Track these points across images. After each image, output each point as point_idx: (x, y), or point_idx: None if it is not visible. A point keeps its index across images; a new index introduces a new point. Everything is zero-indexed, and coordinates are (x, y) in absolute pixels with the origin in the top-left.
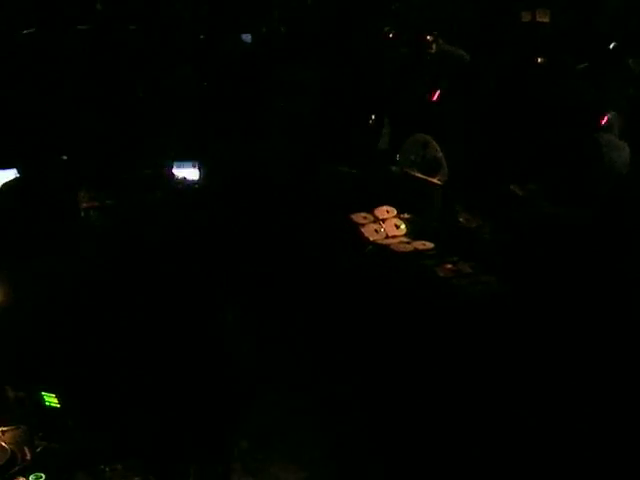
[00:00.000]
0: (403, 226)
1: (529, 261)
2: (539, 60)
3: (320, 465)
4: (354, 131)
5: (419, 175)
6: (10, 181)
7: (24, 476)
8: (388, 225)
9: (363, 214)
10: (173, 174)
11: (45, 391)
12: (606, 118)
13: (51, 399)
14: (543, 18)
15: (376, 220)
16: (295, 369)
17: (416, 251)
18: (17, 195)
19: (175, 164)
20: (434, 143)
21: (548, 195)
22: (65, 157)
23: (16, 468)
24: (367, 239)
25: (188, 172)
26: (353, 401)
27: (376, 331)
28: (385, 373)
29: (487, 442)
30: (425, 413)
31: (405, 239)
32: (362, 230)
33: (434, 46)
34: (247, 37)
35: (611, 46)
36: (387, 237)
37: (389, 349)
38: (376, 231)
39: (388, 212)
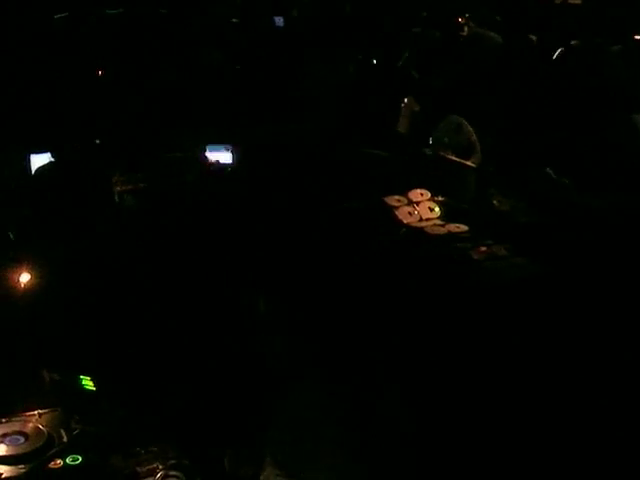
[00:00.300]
0: (437, 209)
1: (564, 244)
2: (572, 42)
3: (350, 464)
4: (387, 114)
5: (453, 158)
6: (44, 165)
7: (61, 458)
8: (422, 208)
9: (397, 197)
10: (206, 157)
11: (81, 374)
12: None
13: (87, 382)
14: (575, 0)
15: (410, 203)
16: (327, 360)
17: (450, 234)
18: (51, 179)
19: (208, 148)
20: (467, 125)
21: (580, 180)
22: (98, 141)
23: (53, 450)
24: (401, 222)
25: (221, 155)
26: (387, 394)
27: (410, 315)
28: (419, 361)
29: (527, 437)
30: (461, 404)
31: (439, 222)
32: (396, 213)
33: (466, 29)
34: (279, 20)
35: None
36: (421, 220)
37: (423, 334)
38: (410, 214)
39: (422, 195)
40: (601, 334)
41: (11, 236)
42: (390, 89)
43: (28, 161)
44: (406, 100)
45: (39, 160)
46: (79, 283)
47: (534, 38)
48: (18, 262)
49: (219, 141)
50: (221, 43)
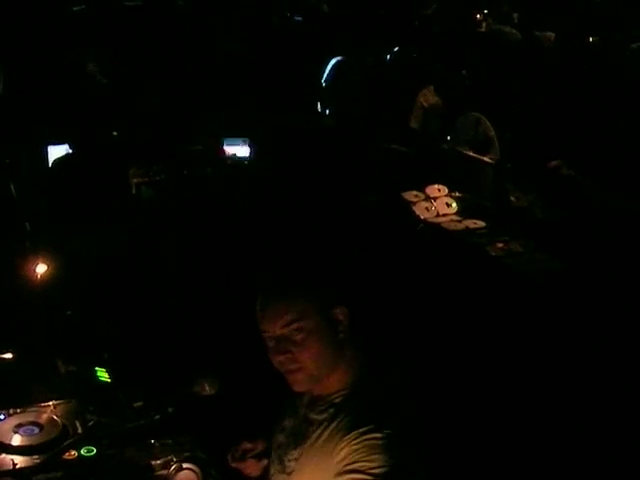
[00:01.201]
0: (454, 204)
1: (581, 240)
2: (591, 39)
3: None
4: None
5: (471, 153)
6: (62, 157)
7: (75, 449)
8: (439, 203)
9: (414, 192)
10: (223, 151)
11: (96, 365)
12: None
13: (102, 374)
14: None
15: (427, 198)
16: None
17: (467, 230)
18: (69, 170)
19: (225, 141)
20: (486, 121)
21: (598, 177)
22: (116, 133)
23: (67, 441)
24: (418, 217)
25: (238, 149)
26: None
27: (426, 310)
28: (437, 356)
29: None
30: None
31: (456, 217)
32: (413, 208)
33: (484, 25)
34: (298, 18)
35: None
36: (438, 215)
37: (440, 329)
38: (427, 209)
39: (439, 190)
40: (620, 332)
41: (28, 227)
42: (409, 84)
43: (46, 152)
44: (421, 95)
45: (57, 151)
46: (95, 274)
47: (552, 35)
48: (34, 253)
49: (237, 134)
50: (241, 35)
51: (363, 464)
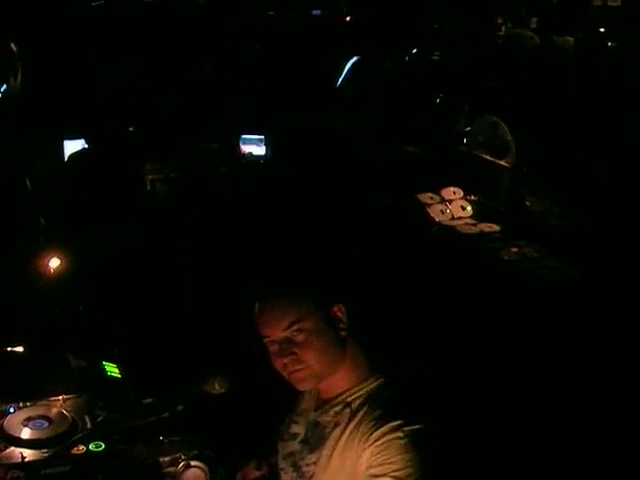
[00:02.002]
0: (469, 208)
1: (597, 247)
2: (610, 44)
3: None
4: (422, 111)
5: (487, 157)
6: (77, 152)
7: (84, 444)
8: (454, 206)
9: (429, 194)
10: (240, 149)
11: (107, 361)
12: None
13: (112, 369)
14: (614, 2)
15: (442, 201)
16: None
17: (482, 233)
18: (84, 166)
19: (242, 140)
20: (503, 125)
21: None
22: (132, 129)
23: (76, 436)
24: (433, 219)
25: (254, 147)
26: None
27: (439, 313)
28: (449, 359)
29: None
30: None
31: (471, 221)
32: (428, 210)
33: (503, 29)
34: (317, 11)
35: None
36: (453, 218)
37: (452, 332)
38: (442, 212)
39: (455, 193)
40: (634, 339)
41: (42, 221)
42: (427, 85)
43: (62, 147)
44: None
45: (73, 146)
46: (108, 270)
47: (571, 39)
48: (48, 248)
49: (253, 132)
50: (258, 34)
51: (388, 466)
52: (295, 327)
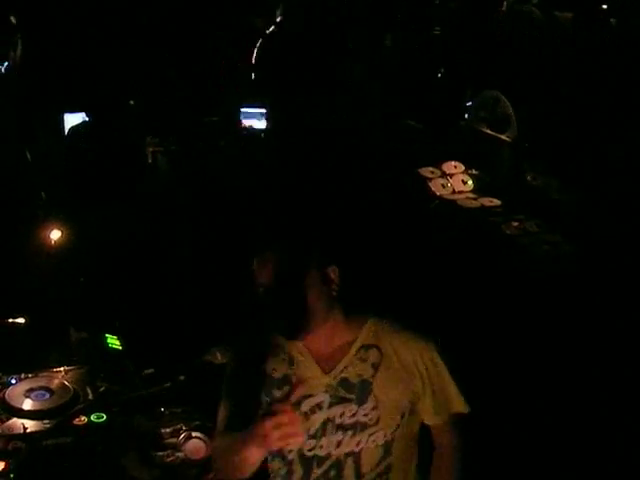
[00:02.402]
0: (470, 182)
1: (597, 222)
2: (611, 20)
3: None
4: (423, 86)
5: (488, 131)
6: (78, 125)
7: (86, 415)
8: (455, 180)
9: (431, 168)
10: (240, 122)
11: (108, 333)
12: None
13: (113, 341)
14: None
15: (443, 175)
16: None
17: (482, 207)
18: (85, 138)
19: (242, 113)
20: (505, 99)
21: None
22: (132, 102)
23: (78, 407)
24: (434, 193)
25: (255, 121)
26: None
27: (439, 287)
28: (448, 333)
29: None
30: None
31: (472, 195)
32: (429, 184)
33: (505, 4)
34: None
35: None
36: (454, 192)
37: (452, 306)
38: (443, 186)
39: (456, 167)
40: (632, 317)
41: (43, 195)
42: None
43: (62, 120)
44: None
45: (73, 120)
46: (109, 242)
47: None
48: (49, 221)
49: (253, 105)
50: (262, 11)
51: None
52: None
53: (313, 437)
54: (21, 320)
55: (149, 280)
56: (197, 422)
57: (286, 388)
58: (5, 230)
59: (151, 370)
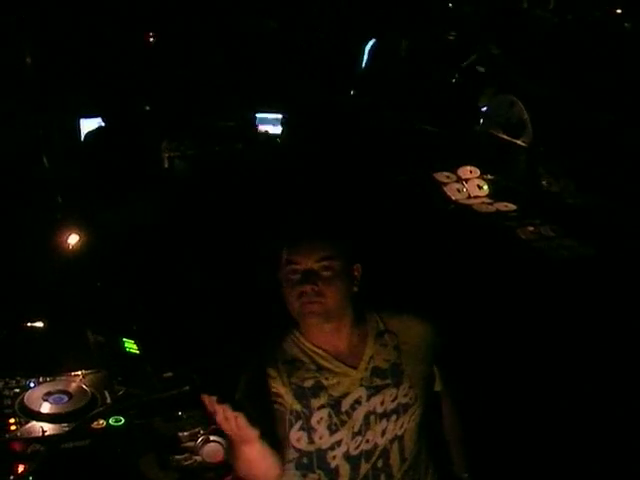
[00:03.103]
0: (486, 187)
1: (613, 227)
2: (625, 25)
3: None
4: (438, 90)
5: (503, 136)
6: (94, 130)
7: (104, 419)
8: (471, 185)
9: (446, 173)
10: (256, 127)
11: (125, 337)
12: None
13: (131, 345)
14: None
15: (459, 180)
16: None
17: (498, 212)
18: (101, 143)
19: (258, 119)
20: (520, 104)
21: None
22: (148, 107)
23: (96, 410)
24: (449, 198)
25: (271, 126)
26: None
27: (455, 291)
28: (462, 338)
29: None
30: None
31: (487, 200)
32: (444, 189)
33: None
34: None
35: None
36: (469, 197)
37: (467, 311)
38: (458, 191)
39: (471, 172)
40: None
41: (59, 199)
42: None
43: (78, 125)
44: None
45: (89, 124)
46: (126, 246)
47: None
48: (66, 225)
49: (269, 111)
50: (274, 12)
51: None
52: (326, 262)
53: (358, 433)
54: (39, 324)
55: (167, 284)
56: (215, 426)
57: (322, 394)
58: (23, 234)
59: (170, 374)
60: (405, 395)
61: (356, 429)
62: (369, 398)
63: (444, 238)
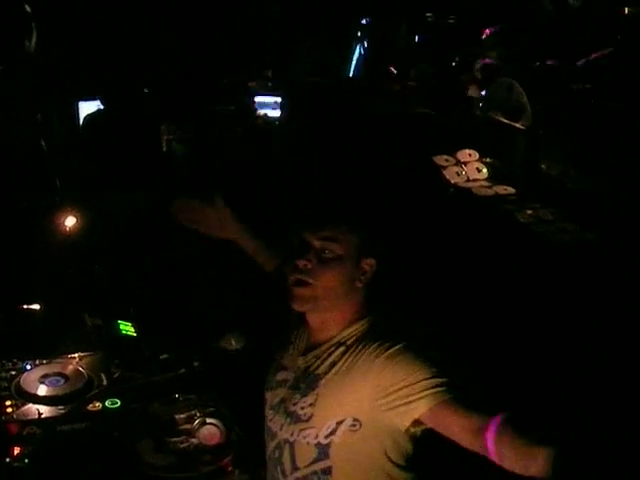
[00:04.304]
0: (485, 170)
1: (612, 210)
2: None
3: None
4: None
5: (503, 119)
6: (93, 113)
7: (100, 401)
8: (470, 168)
9: (445, 156)
10: (255, 111)
11: (122, 320)
12: None
13: (127, 328)
14: None
15: (458, 163)
16: None
17: (497, 195)
18: (100, 127)
19: (257, 102)
20: (519, 87)
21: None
22: (147, 90)
23: (92, 393)
24: (448, 182)
25: (269, 110)
26: None
27: (453, 275)
28: (463, 319)
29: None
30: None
31: (486, 183)
32: (444, 172)
33: None
34: None
35: None
36: (468, 180)
37: (467, 293)
38: (457, 174)
39: (470, 155)
40: None
41: (57, 183)
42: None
43: (77, 108)
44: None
45: (88, 107)
46: (124, 230)
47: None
48: (64, 208)
49: (268, 94)
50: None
51: (402, 380)
52: (329, 244)
53: (272, 409)
54: (36, 307)
55: (163, 267)
56: (211, 408)
57: (284, 353)
58: (20, 217)
59: (166, 355)
60: (302, 408)
61: (274, 403)
62: (289, 387)
63: (444, 221)
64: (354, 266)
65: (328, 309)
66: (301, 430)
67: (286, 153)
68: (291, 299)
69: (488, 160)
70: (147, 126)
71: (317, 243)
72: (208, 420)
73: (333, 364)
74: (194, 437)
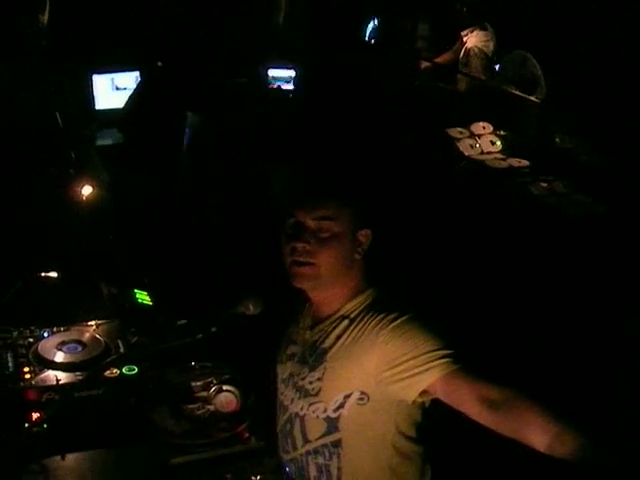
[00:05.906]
0: (499, 142)
1: (625, 184)
2: None
3: None
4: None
5: (516, 92)
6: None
7: (117, 367)
8: (484, 141)
9: (459, 129)
10: (269, 85)
11: (137, 288)
12: None
13: (143, 296)
14: None
15: (472, 135)
16: None
17: (511, 168)
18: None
19: (271, 76)
20: (533, 60)
21: None
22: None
23: (110, 359)
24: (462, 154)
25: (283, 83)
26: None
27: (468, 247)
28: (474, 290)
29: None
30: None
31: (500, 155)
32: (457, 145)
33: None
34: None
35: None
36: (482, 153)
37: (480, 265)
38: (471, 146)
39: (484, 128)
40: None
41: (72, 155)
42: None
43: (91, 81)
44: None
45: (101, 80)
46: (140, 199)
47: None
48: (79, 179)
49: (281, 67)
50: None
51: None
52: (325, 223)
53: (282, 383)
54: (53, 274)
55: (180, 233)
56: (227, 376)
57: (292, 329)
58: (37, 186)
59: (184, 321)
60: (310, 383)
61: (284, 377)
62: (297, 361)
63: (457, 193)
64: (351, 240)
65: (329, 286)
66: (310, 404)
67: (285, 128)
68: (292, 277)
69: (502, 133)
70: (171, 101)
71: (312, 223)
72: (224, 387)
73: (338, 337)
74: (210, 404)
